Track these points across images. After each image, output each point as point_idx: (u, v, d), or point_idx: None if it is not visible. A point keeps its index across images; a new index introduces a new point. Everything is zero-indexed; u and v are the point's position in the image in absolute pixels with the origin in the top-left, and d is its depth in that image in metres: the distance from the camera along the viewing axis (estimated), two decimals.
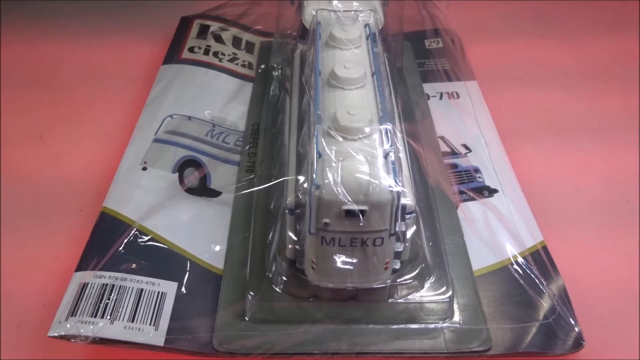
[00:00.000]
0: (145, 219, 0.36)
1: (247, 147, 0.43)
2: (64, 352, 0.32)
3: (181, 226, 0.36)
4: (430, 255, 0.34)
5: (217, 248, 0.35)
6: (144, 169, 0.39)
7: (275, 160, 0.40)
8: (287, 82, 0.44)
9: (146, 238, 0.35)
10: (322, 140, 0.30)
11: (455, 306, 0.32)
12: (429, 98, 0.50)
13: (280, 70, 0.50)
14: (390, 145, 0.30)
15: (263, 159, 0.41)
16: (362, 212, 0.29)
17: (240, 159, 0.42)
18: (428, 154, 0.42)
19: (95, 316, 0.30)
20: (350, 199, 0.28)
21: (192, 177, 0.39)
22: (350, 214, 0.29)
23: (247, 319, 0.32)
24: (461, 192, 0.41)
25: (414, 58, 0.54)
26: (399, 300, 0.32)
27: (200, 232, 0.36)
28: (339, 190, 0.28)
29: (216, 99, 0.47)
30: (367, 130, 0.30)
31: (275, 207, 0.36)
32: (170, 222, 0.36)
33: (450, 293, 0.33)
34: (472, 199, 0.40)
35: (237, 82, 0.50)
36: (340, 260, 0.30)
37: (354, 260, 0.30)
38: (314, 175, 0.29)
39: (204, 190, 0.39)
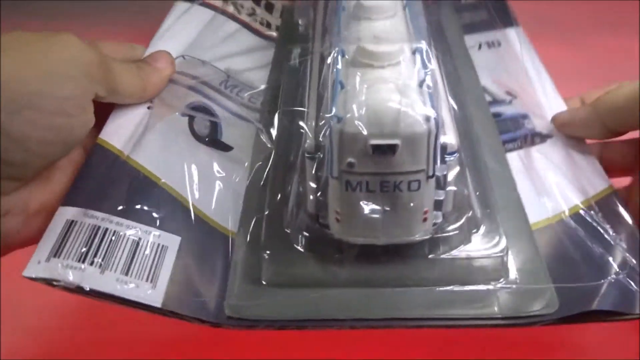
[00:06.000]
0: (149, 161, 0.30)
1: (266, 109, 0.38)
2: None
3: (188, 176, 0.31)
4: (478, 205, 0.29)
5: (228, 206, 0.31)
6: (149, 107, 0.35)
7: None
8: (310, 29, 0.40)
9: (150, 181, 0.30)
10: (345, 67, 0.26)
11: (511, 263, 0.27)
12: (469, 49, 0.45)
13: (302, 29, 0.46)
14: (426, 70, 0.25)
15: (283, 109, 0.36)
16: (393, 147, 0.24)
17: (260, 117, 0.37)
18: (471, 104, 0.37)
19: (82, 262, 0.26)
20: (378, 131, 0.24)
21: (202, 124, 0.35)
22: (378, 150, 0.24)
23: (263, 282, 0.27)
24: (508, 141, 0.36)
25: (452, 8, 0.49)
26: (442, 256, 0.27)
27: (209, 185, 0.32)
28: (365, 121, 0.24)
29: (231, 50, 0.42)
30: (397, 55, 0.26)
31: (295, 159, 0.31)
32: (176, 170, 0.31)
33: (503, 246, 0.27)
34: (521, 148, 0.35)
35: (254, 38, 0.46)
36: (368, 208, 0.26)
37: (386, 209, 0.26)
38: (334, 108, 0.24)
39: (214, 141, 0.35)
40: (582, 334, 0.32)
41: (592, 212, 0.29)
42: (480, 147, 0.34)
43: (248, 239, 0.30)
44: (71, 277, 0.25)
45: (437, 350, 0.32)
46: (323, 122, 0.26)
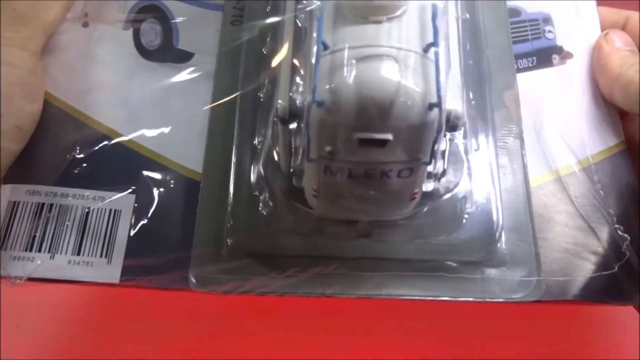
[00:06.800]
0: (87, 102, 0.26)
1: None
2: None
3: (136, 109, 0.27)
4: (471, 164, 0.26)
5: (191, 141, 0.26)
6: (85, 24, 0.28)
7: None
8: None
9: (97, 134, 0.26)
10: (330, 21, 0.20)
11: (503, 244, 0.25)
12: None
13: None
14: (434, 30, 0.19)
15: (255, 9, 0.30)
16: (384, 141, 0.20)
17: (225, 5, 0.30)
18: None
19: (30, 250, 0.24)
20: (367, 123, 0.19)
21: (152, 33, 0.29)
22: (366, 143, 0.20)
23: (227, 254, 0.25)
24: (521, 56, 0.30)
25: None
26: (428, 240, 0.24)
27: (166, 120, 0.27)
28: (352, 110, 0.19)
29: None
30: (398, 5, 0.20)
31: (267, 98, 0.26)
32: (120, 106, 0.26)
33: (497, 227, 0.25)
34: (535, 68, 0.30)
35: None
36: (351, 193, 0.22)
37: (371, 193, 0.22)
38: (316, 83, 0.19)
39: (168, 51, 0.28)
40: (583, 334, 0.32)
41: (600, 171, 0.26)
42: (488, 67, 0.29)
43: (214, 188, 0.26)
44: (20, 270, 0.23)
45: (436, 350, 0.32)
46: (299, 82, 0.21)
